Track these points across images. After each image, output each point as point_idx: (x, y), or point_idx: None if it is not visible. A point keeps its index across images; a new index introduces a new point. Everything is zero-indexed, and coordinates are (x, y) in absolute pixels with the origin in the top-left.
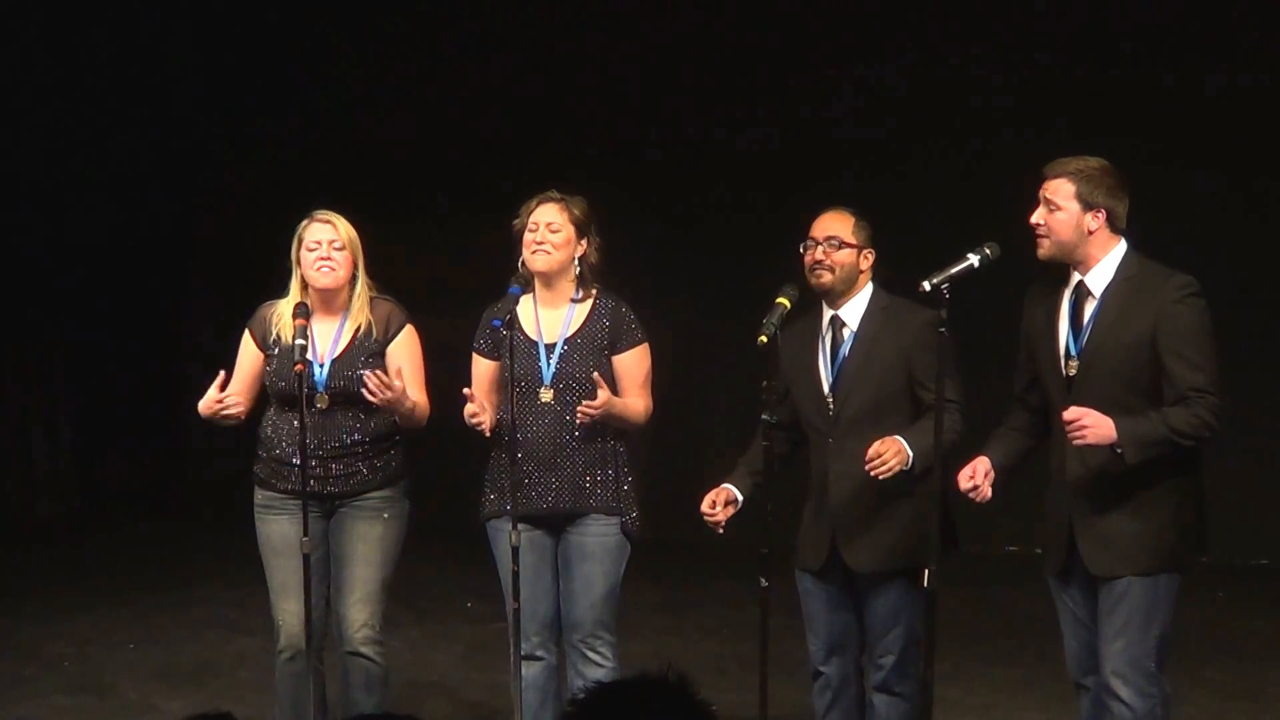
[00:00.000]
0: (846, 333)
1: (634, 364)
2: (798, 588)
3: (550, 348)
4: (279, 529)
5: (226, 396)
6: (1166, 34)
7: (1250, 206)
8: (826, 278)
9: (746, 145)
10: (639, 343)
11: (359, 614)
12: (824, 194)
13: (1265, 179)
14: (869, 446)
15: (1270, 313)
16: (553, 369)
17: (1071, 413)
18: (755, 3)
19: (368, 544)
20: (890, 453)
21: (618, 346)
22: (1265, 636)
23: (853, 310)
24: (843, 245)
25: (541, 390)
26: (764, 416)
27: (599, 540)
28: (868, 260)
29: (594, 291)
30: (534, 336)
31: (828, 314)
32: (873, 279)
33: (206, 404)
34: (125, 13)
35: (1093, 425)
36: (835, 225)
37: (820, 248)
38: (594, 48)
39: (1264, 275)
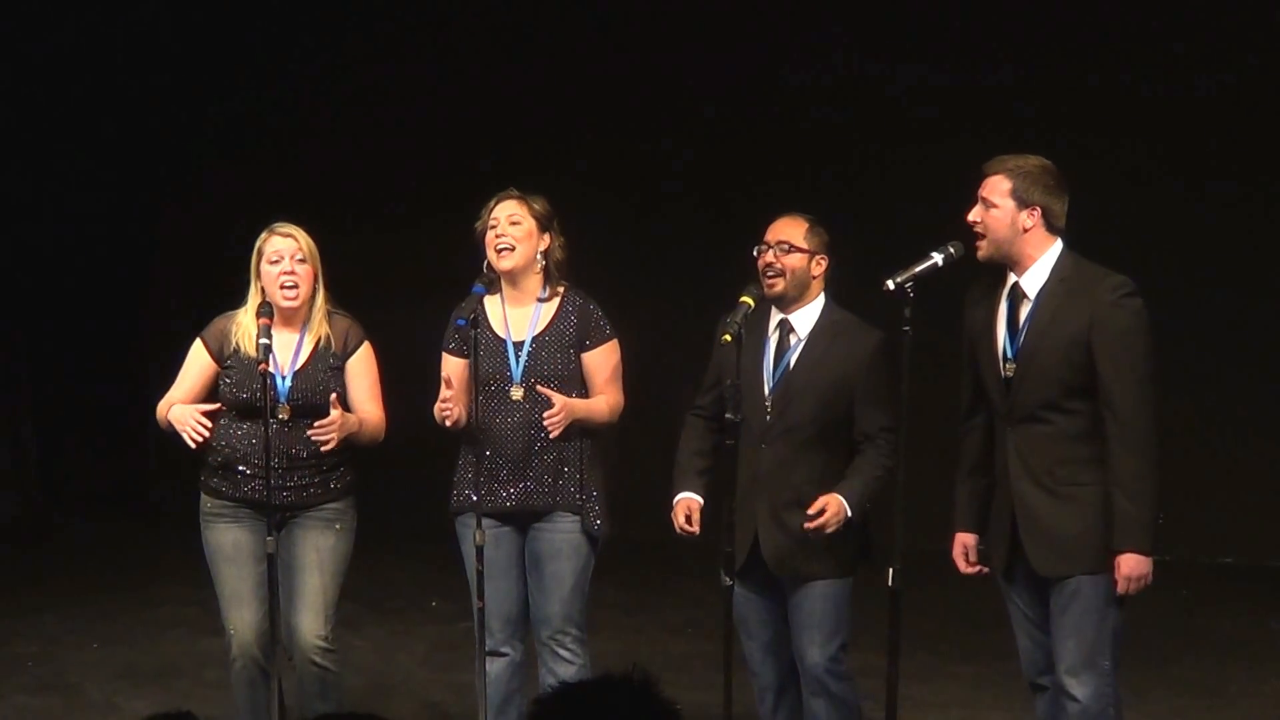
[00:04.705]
0: (793, 339)
1: (603, 360)
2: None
3: (519, 345)
4: (231, 537)
5: (204, 425)
6: (1134, 37)
7: (1238, 207)
8: (779, 284)
9: (713, 142)
10: (607, 339)
11: (311, 624)
12: (792, 192)
13: (1251, 177)
14: (805, 453)
15: (1235, 311)
16: (521, 367)
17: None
18: (726, 4)
19: (320, 554)
20: (830, 513)
21: (586, 344)
22: (1229, 634)
23: (803, 318)
24: (793, 250)
25: (512, 388)
26: (728, 415)
27: (567, 538)
28: (820, 267)
29: (561, 289)
30: (502, 335)
31: (776, 316)
32: (825, 289)
33: (182, 416)
34: (88, 13)
35: (1140, 578)
36: (787, 230)
37: (771, 251)
38: (555, 46)
39: (1225, 276)
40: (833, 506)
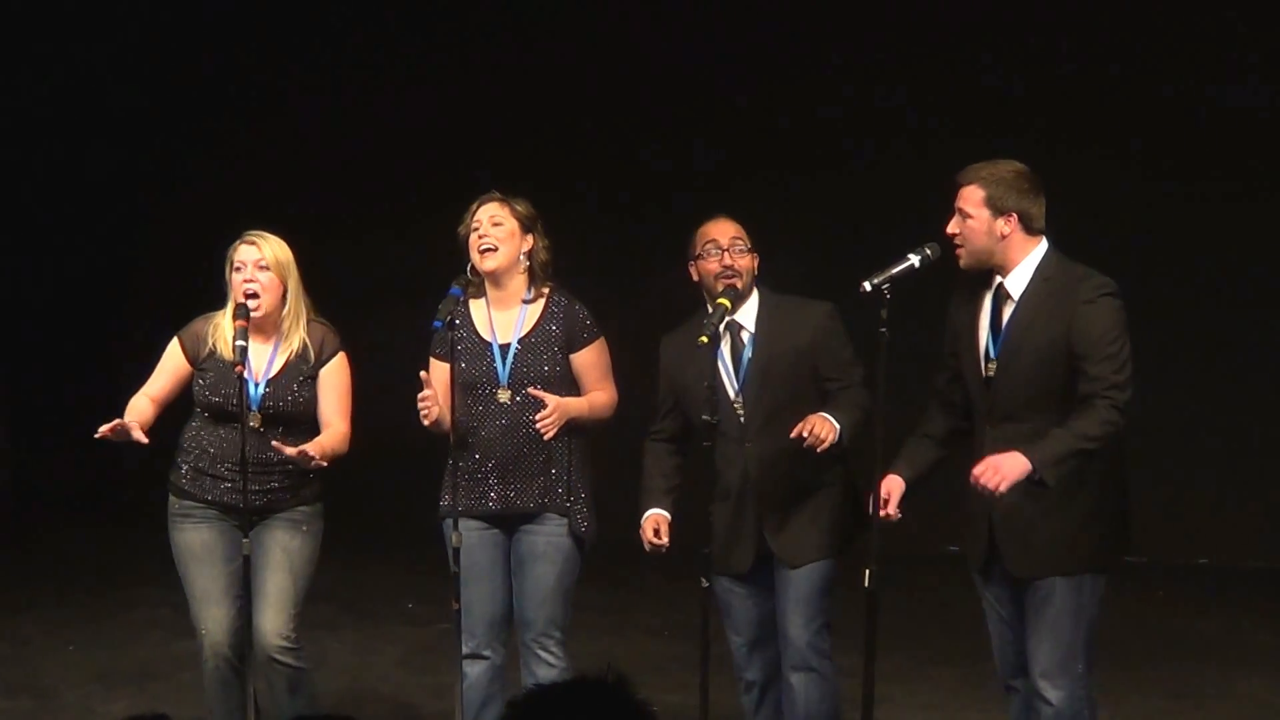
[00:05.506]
0: (745, 336)
1: (593, 360)
2: (715, 588)
3: (505, 348)
4: (200, 537)
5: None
6: (1107, 39)
7: (1210, 210)
8: (738, 283)
9: (700, 145)
10: (595, 338)
11: (273, 622)
12: (775, 194)
13: (1222, 180)
14: (789, 441)
15: (1212, 316)
16: (508, 369)
17: (977, 471)
18: (702, 5)
19: (286, 554)
20: (823, 429)
21: (575, 345)
22: (1205, 636)
23: (748, 313)
24: (747, 249)
25: (499, 391)
26: (705, 417)
27: (553, 540)
28: (756, 263)
29: (546, 290)
30: (488, 338)
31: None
32: (757, 282)
33: (129, 410)
34: (64, 23)
35: (1005, 472)
36: (734, 229)
37: (726, 253)
38: (539, 49)
39: (1203, 282)
40: (821, 421)
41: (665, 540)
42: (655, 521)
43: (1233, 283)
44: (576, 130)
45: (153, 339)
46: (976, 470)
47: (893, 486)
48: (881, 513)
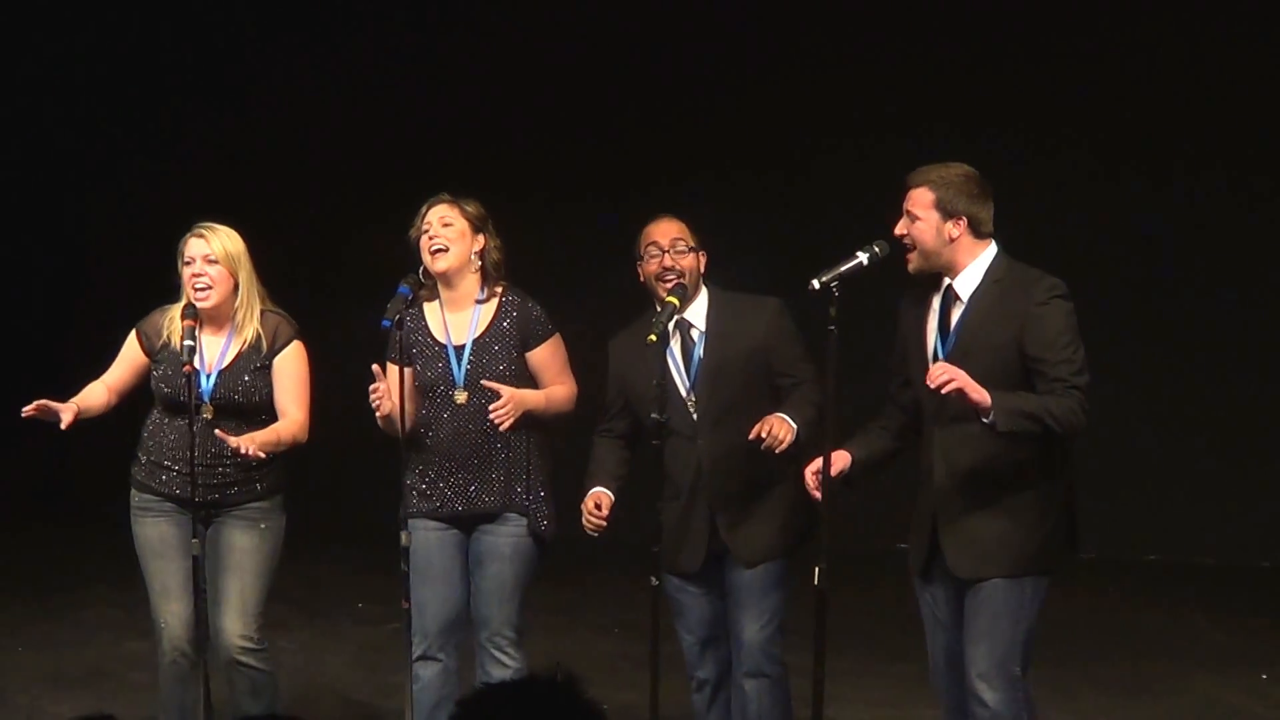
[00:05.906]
0: (696, 334)
1: (549, 356)
2: (665, 586)
3: (460, 349)
4: (158, 531)
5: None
6: (1059, 36)
7: (1176, 208)
8: (684, 283)
9: (642, 145)
10: (550, 335)
11: (234, 625)
12: (716, 192)
13: (1198, 178)
14: (742, 438)
15: (1161, 311)
16: (464, 370)
17: (940, 366)
18: (657, 6)
19: (244, 553)
20: (781, 430)
21: (530, 344)
22: (1154, 631)
23: (697, 311)
24: (689, 249)
25: (456, 393)
26: (653, 415)
27: (512, 540)
28: (703, 261)
29: (499, 290)
30: (442, 340)
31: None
32: (704, 279)
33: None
34: (12, 16)
35: (962, 381)
36: (675, 230)
37: (667, 254)
38: (493, 49)
39: (1152, 276)
40: (778, 422)
41: (605, 514)
42: (597, 497)
43: (1188, 278)
44: (529, 129)
45: (104, 336)
46: (936, 367)
47: (838, 459)
48: (813, 480)
